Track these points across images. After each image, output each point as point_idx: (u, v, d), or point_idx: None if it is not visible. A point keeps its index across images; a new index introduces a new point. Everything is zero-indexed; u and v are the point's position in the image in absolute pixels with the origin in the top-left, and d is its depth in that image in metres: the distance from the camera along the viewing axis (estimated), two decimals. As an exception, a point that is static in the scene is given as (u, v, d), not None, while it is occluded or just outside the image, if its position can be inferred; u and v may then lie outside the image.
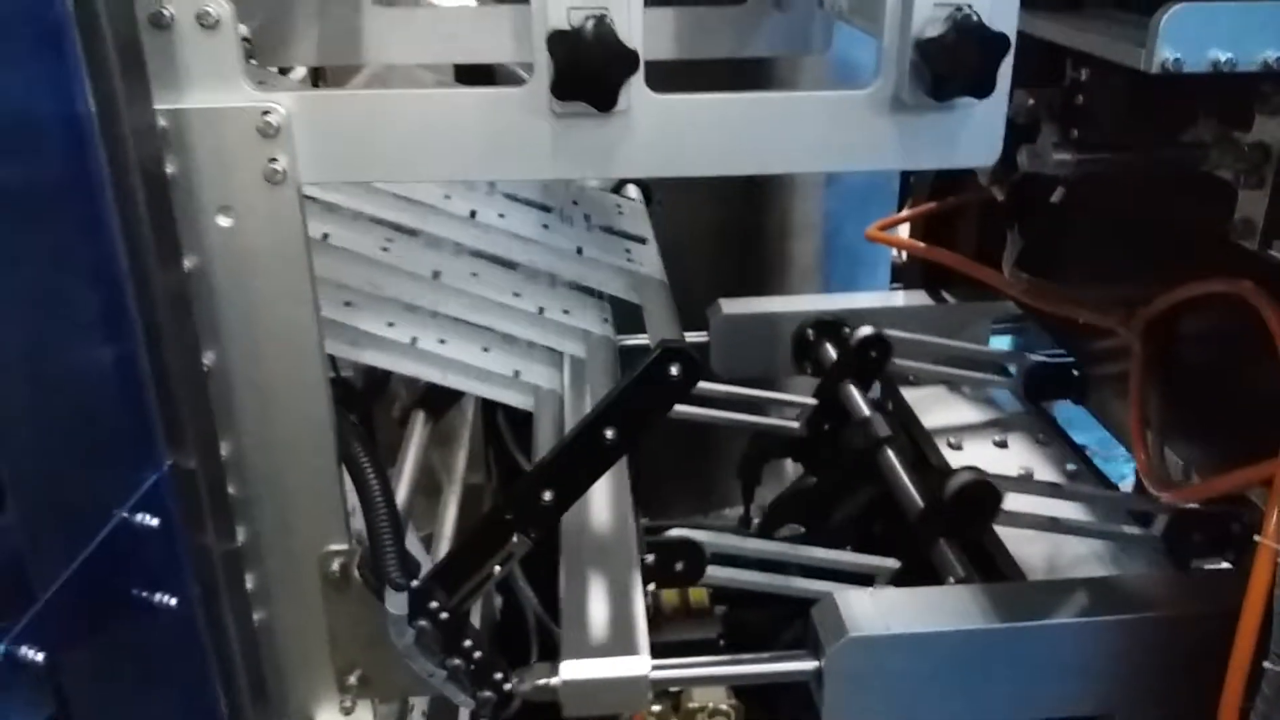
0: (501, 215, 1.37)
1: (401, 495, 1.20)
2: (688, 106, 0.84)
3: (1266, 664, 0.94)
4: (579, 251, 1.42)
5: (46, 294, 0.75)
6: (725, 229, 2.23)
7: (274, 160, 0.83)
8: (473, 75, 1.62)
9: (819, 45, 1.31)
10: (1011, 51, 0.81)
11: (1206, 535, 1.28)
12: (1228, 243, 1.07)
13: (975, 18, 0.79)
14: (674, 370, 0.93)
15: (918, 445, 1.63)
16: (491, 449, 1.80)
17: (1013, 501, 1.32)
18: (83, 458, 0.79)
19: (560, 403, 1.24)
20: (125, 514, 0.81)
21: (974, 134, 0.85)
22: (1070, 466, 1.56)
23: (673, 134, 0.84)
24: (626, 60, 0.79)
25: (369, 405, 1.40)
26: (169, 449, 0.84)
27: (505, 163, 0.85)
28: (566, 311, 1.37)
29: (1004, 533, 1.33)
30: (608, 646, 1.01)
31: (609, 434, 0.94)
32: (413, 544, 1.04)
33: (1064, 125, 1.15)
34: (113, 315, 0.79)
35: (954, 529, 1.28)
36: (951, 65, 0.79)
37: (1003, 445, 1.62)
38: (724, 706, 1.31)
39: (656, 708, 1.28)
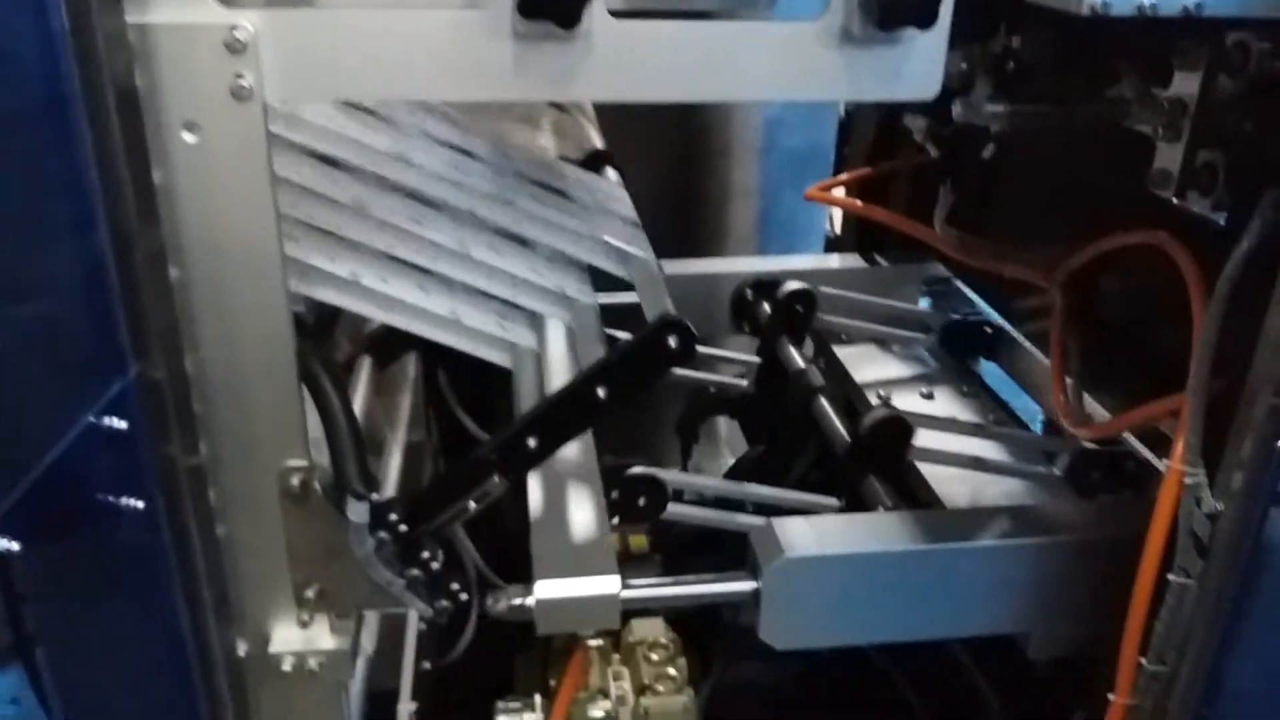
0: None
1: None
2: (646, 31, 0.87)
3: (1170, 575, 1.00)
4: (568, 224, 1.45)
5: (18, 200, 0.76)
6: (665, 194, 2.26)
7: (240, 76, 0.84)
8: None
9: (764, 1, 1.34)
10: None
11: (1104, 473, 1.35)
12: (1147, 197, 1.13)
13: (920, -51, 0.83)
14: (672, 341, 0.99)
15: (849, 398, 1.69)
16: (432, 408, 1.81)
17: (936, 441, 1.39)
18: (51, 362, 0.81)
19: (539, 362, 1.27)
20: (93, 418, 0.83)
21: (916, 67, 0.89)
22: (991, 416, 1.63)
23: (631, 58, 0.87)
24: (590, -22, 0.82)
25: (319, 343, 1.41)
26: (135, 358, 0.86)
27: (469, 83, 0.87)
28: (550, 276, 1.39)
29: (929, 473, 1.40)
30: (580, 568, 1.05)
31: (600, 392, 1.00)
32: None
33: (996, 79, 1.20)
34: (83, 225, 0.80)
35: (875, 461, 1.33)
36: (897, -6, 0.84)
37: (929, 397, 1.68)
38: (663, 640, 1.35)
39: (598, 642, 1.32)
